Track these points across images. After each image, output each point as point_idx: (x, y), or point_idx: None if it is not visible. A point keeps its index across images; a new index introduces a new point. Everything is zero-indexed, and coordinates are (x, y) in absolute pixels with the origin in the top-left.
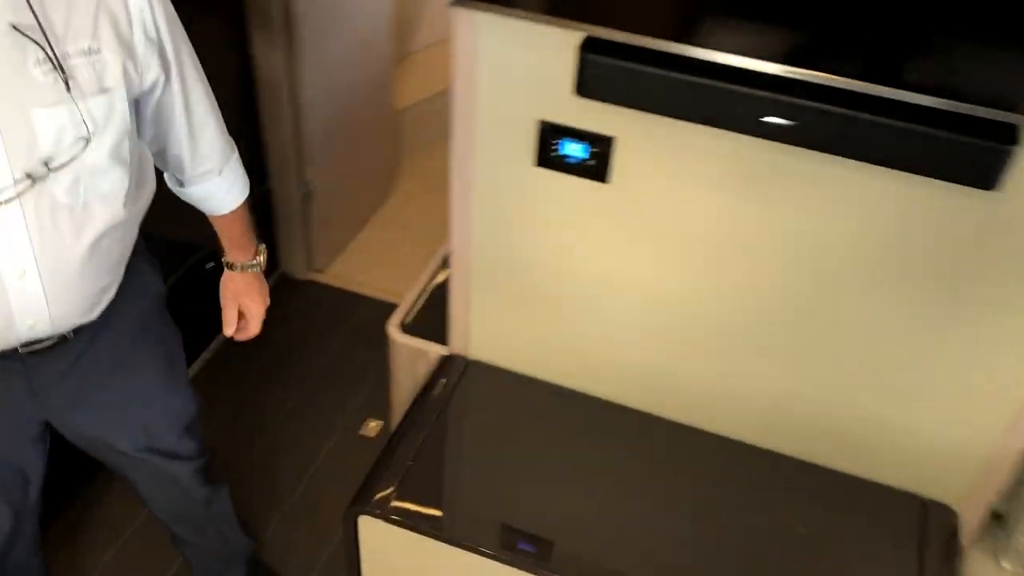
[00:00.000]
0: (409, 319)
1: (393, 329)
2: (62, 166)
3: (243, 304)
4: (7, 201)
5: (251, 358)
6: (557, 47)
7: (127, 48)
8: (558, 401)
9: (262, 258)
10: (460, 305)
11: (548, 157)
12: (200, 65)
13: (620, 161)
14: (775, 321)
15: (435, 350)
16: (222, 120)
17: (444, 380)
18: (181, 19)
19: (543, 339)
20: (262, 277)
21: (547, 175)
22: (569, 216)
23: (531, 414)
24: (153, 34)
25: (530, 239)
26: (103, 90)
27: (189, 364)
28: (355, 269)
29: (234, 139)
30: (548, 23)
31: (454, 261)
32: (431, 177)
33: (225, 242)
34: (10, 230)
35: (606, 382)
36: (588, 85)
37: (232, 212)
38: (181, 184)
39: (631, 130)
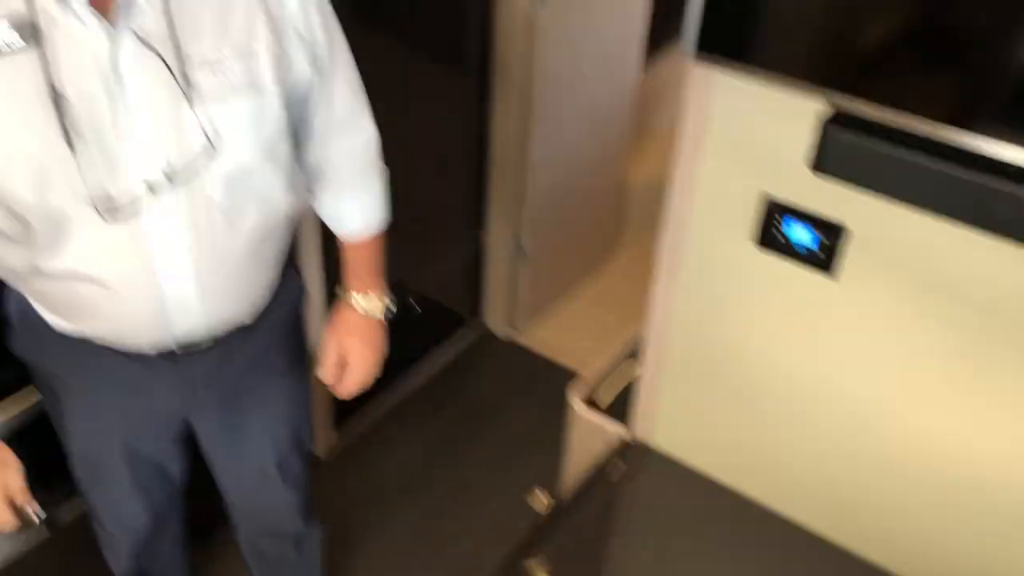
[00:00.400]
0: (596, 394)
1: (576, 401)
2: (213, 165)
3: (348, 349)
4: (161, 199)
5: (440, 405)
6: (797, 115)
7: (280, 46)
8: (739, 511)
9: (382, 304)
10: (649, 388)
11: (771, 238)
12: (356, 75)
13: (853, 255)
14: None
15: (616, 431)
16: (372, 136)
17: (620, 464)
18: (438, 67)
19: (735, 441)
20: (377, 328)
21: (766, 259)
22: (786, 309)
23: (705, 518)
24: (308, 36)
25: (737, 328)
26: (257, 88)
27: (372, 404)
28: (556, 335)
29: (459, 183)
30: (791, 89)
31: (649, 339)
32: (651, 258)
33: (348, 272)
34: (166, 229)
35: (798, 503)
36: (827, 162)
37: (361, 239)
38: (316, 194)
39: (870, 220)
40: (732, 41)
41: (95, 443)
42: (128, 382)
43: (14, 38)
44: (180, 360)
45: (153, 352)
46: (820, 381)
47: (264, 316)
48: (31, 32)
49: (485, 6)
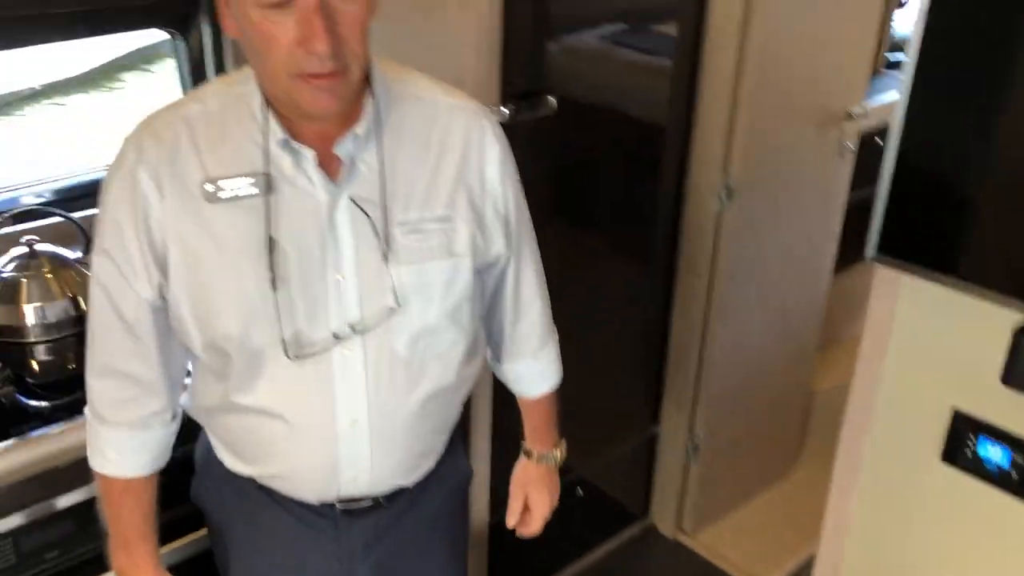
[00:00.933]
0: None
1: None
2: (402, 320)
3: (530, 496)
4: (348, 347)
5: None
6: (990, 325)
7: (478, 219)
8: None
9: (559, 453)
10: None
11: (959, 456)
12: (537, 249)
13: None
14: None
15: None
16: (548, 305)
17: None
18: (624, 258)
19: None
20: (555, 474)
21: (954, 477)
22: (975, 535)
23: None
24: (502, 210)
25: (919, 552)
26: (451, 255)
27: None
28: (725, 542)
29: (637, 373)
30: (984, 297)
31: (820, 558)
32: None
33: (527, 427)
34: (349, 375)
35: None
36: (1019, 376)
37: (538, 398)
38: (497, 359)
39: None
40: (916, 244)
41: None
42: (290, 543)
43: (251, 189)
44: (341, 521)
45: (316, 503)
46: None
47: (427, 488)
48: (264, 184)
49: (674, 201)
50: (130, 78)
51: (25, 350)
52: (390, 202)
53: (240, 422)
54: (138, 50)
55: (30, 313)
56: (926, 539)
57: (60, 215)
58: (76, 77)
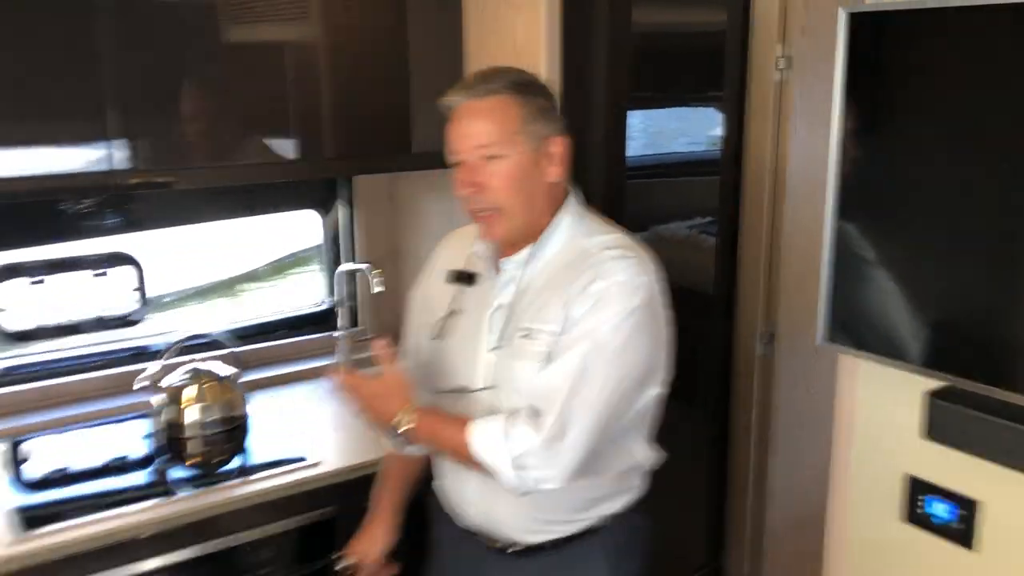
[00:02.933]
0: None
1: None
2: (494, 395)
3: None
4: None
5: None
6: (914, 392)
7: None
8: None
9: None
10: None
11: (914, 514)
12: (594, 391)
13: (989, 528)
14: None
15: None
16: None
17: None
18: (678, 404)
19: None
20: None
21: (913, 534)
22: None
23: None
24: (574, 314)
25: None
26: (542, 359)
27: None
28: None
29: (698, 514)
30: (904, 369)
31: None
32: None
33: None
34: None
35: None
36: (935, 431)
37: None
38: None
39: (998, 493)
40: (853, 331)
41: None
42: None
43: (463, 279)
44: (481, 547)
45: (461, 525)
46: None
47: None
48: (468, 277)
49: (723, 349)
50: (288, 277)
51: (183, 445)
52: (516, 310)
53: None
54: (293, 254)
55: (191, 414)
56: None
57: (220, 341)
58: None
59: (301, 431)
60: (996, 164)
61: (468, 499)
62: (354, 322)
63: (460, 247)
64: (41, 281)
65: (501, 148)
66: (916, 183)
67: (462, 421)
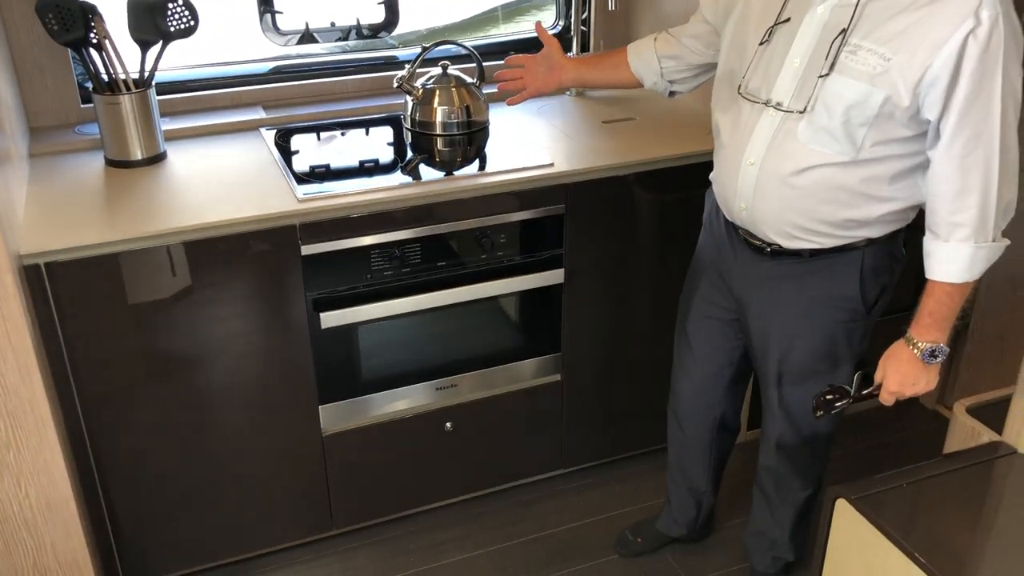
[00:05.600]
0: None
1: (959, 407)
2: (810, 116)
3: (885, 369)
4: (772, 114)
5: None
6: None
7: (914, 76)
8: None
9: (926, 346)
10: (1022, 391)
11: None
12: (1010, 133)
13: None
14: None
15: (988, 435)
16: (990, 202)
17: (980, 458)
18: None
19: None
20: (919, 363)
21: None
22: None
23: None
24: (941, 83)
25: None
26: (870, 83)
27: None
28: None
29: None
30: None
31: None
32: None
33: (919, 307)
34: (761, 131)
35: None
36: None
37: (930, 282)
38: (926, 224)
39: None
40: None
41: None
42: (714, 239)
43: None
44: (737, 242)
45: (728, 217)
46: None
47: (807, 276)
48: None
49: None
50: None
51: (432, 140)
52: (852, 28)
53: (715, 127)
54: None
55: (439, 114)
56: None
57: (468, 49)
58: (459, 23)
59: (535, 140)
60: None
61: (738, 194)
62: (584, 47)
63: None
64: None
65: None
66: None
67: (941, 289)
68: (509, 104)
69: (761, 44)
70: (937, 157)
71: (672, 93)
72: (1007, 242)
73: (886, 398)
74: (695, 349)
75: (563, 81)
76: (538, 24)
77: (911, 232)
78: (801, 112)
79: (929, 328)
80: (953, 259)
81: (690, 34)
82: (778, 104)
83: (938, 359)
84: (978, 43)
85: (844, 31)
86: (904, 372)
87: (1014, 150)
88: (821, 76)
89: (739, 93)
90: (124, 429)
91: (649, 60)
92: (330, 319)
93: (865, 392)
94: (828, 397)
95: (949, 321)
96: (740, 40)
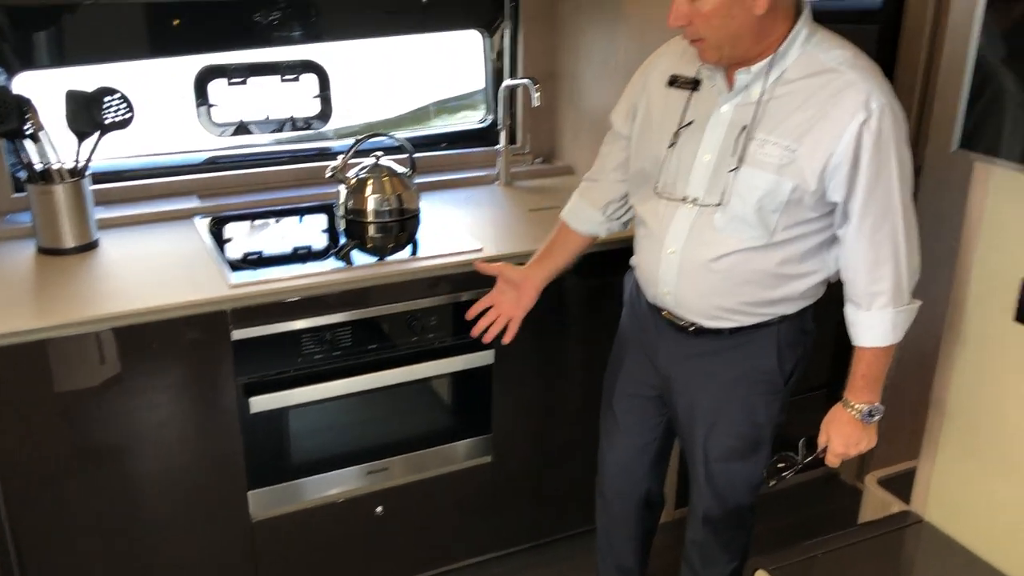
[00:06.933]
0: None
1: (871, 479)
2: (725, 205)
3: (828, 433)
4: (688, 207)
5: None
6: None
7: (819, 163)
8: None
9: (863, 407)
10: (927, 461)
11: None
12: (898, 220)
13: None
14: None
15: (897, 505)
16: (902, 269)
17: (890, 528)
18: None
19: (1002, 516)
20: (858, 424)
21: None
22: None
23: None
24: (845, 165)
25: (997, 401)
26: (778, 174)
27: None
28: None
29: None
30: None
31: (931, 412)
32: None
33: (851, 372)
34: (680, 223)
35: None
36: None
37: (858, 349)
38: (845, 297)
39: None
40: (987, 138)
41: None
42: (638, 321)
43: (686, 84)
44: (662, 324)
45: (650, 300)
46: None
47: (726, 353)
48: (693, 84)
49: None
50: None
51: (365, 227)
52: (755, 122)
53: (639, 224)
54: (457, 97)
55: (371, 202)
56: (1004, 390)
57: (399, 141)
58: (393, 119)
59: (465, 225)
60: None
61: (661, 280)
62: (512, 139)
63: (683, 56)
64: (243, 82)
65: None
66: None
67: (871, 353)
68: (505, 342)
69: (670, 147)
70: (849, 236)
71: (625, 224)
72: (919, 303)
73: (832, 460)
74: (621, 426)
75: (537, 287)
76: (476, 264)
77: (818, 308)
78: (717, 205)
79: (863, 390)
80: (877, 325)
81: (612, 168)
82: (694, 199)
83: (875, 418)
84: (871, 132)
85: (746, 127)
86: (847, 434)
87: (915, 219)
88: (732, 171)
89: (655, 192)
90: (49, 519)
91: (591, 217)
92: (259, 403)
93: (812, 457)
94: (779, 465)
95: (880, 382)
96: (647, 142)
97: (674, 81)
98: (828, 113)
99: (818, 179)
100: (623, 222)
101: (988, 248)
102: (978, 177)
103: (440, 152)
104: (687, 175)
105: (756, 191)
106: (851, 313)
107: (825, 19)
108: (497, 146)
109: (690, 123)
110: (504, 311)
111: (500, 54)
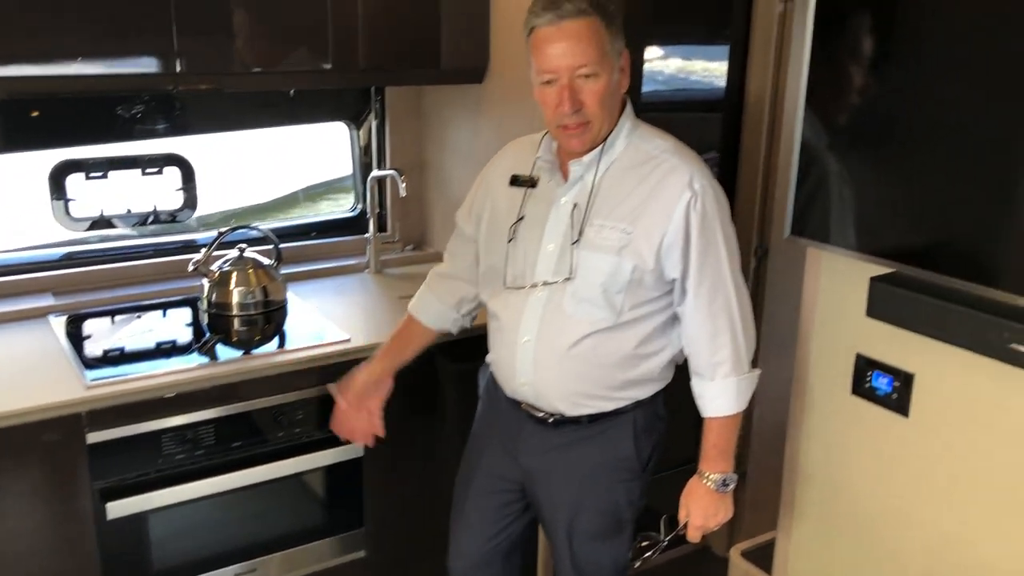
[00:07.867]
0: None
1: (735, 551)
2: (572, 286)
3: (687, 507)
4: (539, 293)
5: None
6: (862, 279)
7: (655, 242)
8: None
9: (717, 476)
10: (784, 532)
11: (861, 388)
12: (729, 291)
13: (919, 398)
14: None
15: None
16: (739, 338)
17: None
18: None
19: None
20: (715, 494)
21: (860, 405)
22: (875, 446)
23: None
24: (678, 243)
25: (844, 466)
26: (618, 255)
27: None
28: None
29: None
30: (857, 257)
31: (785, 485)
32: None
33: (702, 444)
34: (532, 310)
35: None
36: (874, 308)
37: (707, 419)
38: (690, 371)
39: (928, 367)
40: (812, 225)
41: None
42: (494, 416)
43: (525, 183)
44: (523, 417)
45: (509, 394)
46: (897, 510)
47: (585, 443)
48: (531, 182)
49: None
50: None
51: (230, 320)
52: (591, 207)
53: (491, 319)
54: (326, 182)
55: (236, 295)
56: (847, 454)
57: (263, 232)
58: (261, 205)
59: (334, 316)
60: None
61: (518, 371)
62: (382, 227)
63: (520, 155)
64: (103, 176)
65: (597, 67)
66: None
67: (720, 423)
68: (381, 436)
69: (509, 242)
70: (688, 311)
71: (474, 318)
72: (759, 371)
73: (693, 534)
74: (475, 529)
75: (387, 384)
76: (328, 387)
77: (676, 386)
78: (566, 280)
79: (716, 460)
80: (722, 394)
81: (465, 267)
82: (544, 282)
83: (729, 487)
84: (697, 211)
85: (581, 206)
86: (704, 505)
87: (746, 292)
88: (573, 243)
89: (505, 287)
90: None
91: (442, 313)
92: (117, 509)
93: (674, 533)
94: (642, 545)
95: (731, 451)
96: (495, 240)
97: (515, 180)
98: (658, 195)
99: (655, 257)
100: (473, 318)
101: (823, 326)
102: (811, 260)
103: (309, 241)
104: (534, 265)
105: (600, 273)
106: (697, 385)
107: (672, 108)
108: (366, 234)
109: (522, 218)
110: (359, 427)
111: (367, 147)
